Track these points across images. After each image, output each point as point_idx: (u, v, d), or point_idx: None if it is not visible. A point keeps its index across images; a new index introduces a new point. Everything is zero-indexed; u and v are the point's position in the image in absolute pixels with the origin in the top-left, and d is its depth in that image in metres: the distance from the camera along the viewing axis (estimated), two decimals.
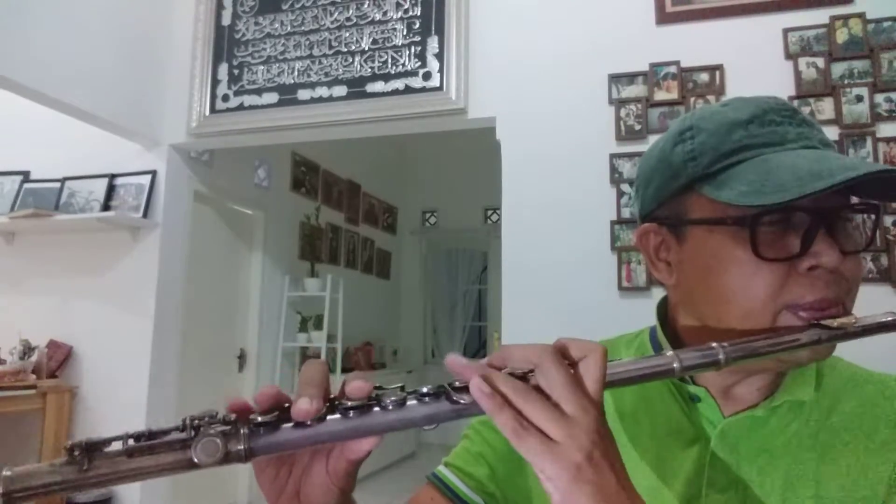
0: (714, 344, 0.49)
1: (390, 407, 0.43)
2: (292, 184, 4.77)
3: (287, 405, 0.44)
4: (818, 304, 0.52)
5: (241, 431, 0.41)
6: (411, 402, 0.43)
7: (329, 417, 0.43)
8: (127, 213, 3.17)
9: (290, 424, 0.42)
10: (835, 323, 0.51)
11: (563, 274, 2.57)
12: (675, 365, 0.47)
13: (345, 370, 4.83)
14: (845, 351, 0.58)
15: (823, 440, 0.58)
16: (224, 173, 3.88)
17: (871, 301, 0.57)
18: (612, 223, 2.54)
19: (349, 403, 0.43)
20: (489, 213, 6.65)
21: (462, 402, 0.43)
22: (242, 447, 0.41)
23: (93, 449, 0.40)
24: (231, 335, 4.20)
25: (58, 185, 3.34)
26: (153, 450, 0.40)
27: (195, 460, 0.40)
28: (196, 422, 0.41)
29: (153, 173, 3.25)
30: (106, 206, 3.22)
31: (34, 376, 3.07)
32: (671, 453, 0.61)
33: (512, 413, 0.43)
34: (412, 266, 6.86)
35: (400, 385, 0.45)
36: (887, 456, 0.56)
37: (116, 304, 3.24)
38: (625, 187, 2.55)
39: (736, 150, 0.55)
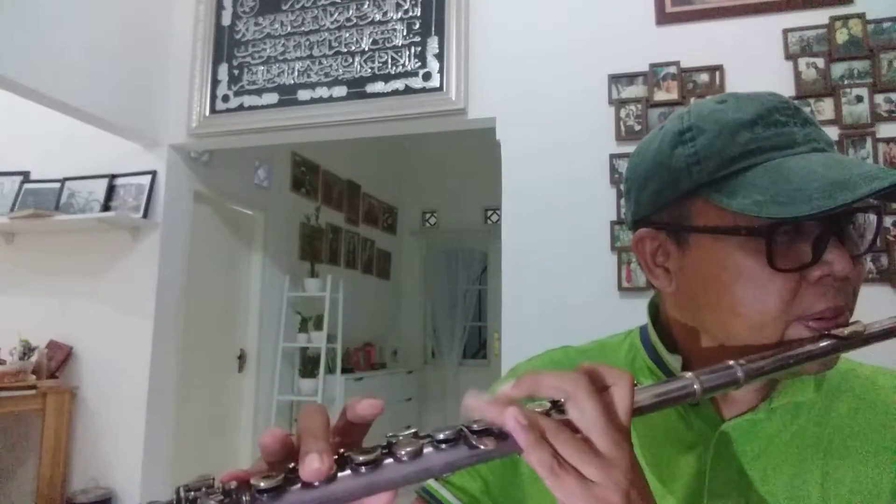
0: (731, 362, 0.48)
1: (405, 459, 0.39)
2: (292, 184, 4.77)
3: (292, 465, 0.38)
4: (829, 313, 0.51)
5: (244, 499, 0.37)
6: (428, 451, 0.40)
7: (339, 475, 0.38)
8: (127, 213, 3.17)
9: (297, 486, 0.37)
10: (845, 332, 0.50)
11: (563, 274, 2.58)
12: (695, 387, 0.46)
13: (345, 370, 4.83)
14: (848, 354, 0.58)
15: (827, 440, 0.57)
16: (224, 173, 3.88)
17: (871, 301, 0.57)
18: (612, 223, 2.54)
19: (360, 458, 0.39)
20: (489, 213, 6.64)
21: (482, 447, 0.40)
22: None
23: None
24: (231, 335, 4.19)
25: (58, 185, 3.34)
26: None
27: None
28: (191, 494, 0.36)
29: (153, 173, 3.25)
30: (106, 207, 3.22)
31: (34, 377, 3.07)
32: (670, 459, 0.60)
33: (550, 449, 0.41)
34: (412, 266, 6.86)
35: (413, 431, 0.41)
36: (892, 456, 0.55)
37: (116, 304, 3.24)
38: None
39: (744, 154, 0.52)
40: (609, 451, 0.41)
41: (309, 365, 4.59)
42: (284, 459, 0.39)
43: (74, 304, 3.31)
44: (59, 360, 3.21)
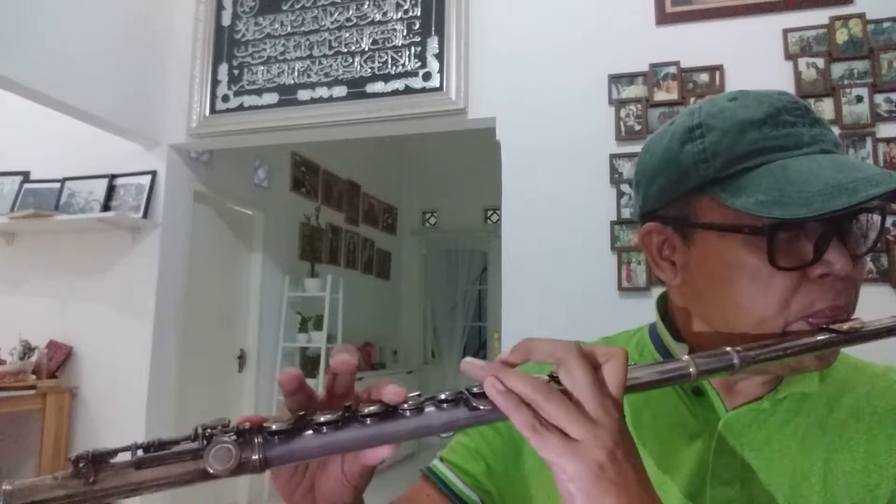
0: (728, 349, 0.49)
1: (408, 414, 0.42)
2: (292, 184, 4.77)
3: (301, 413, 0.43)
4: (830, 311, 0.52)
5: (256, 440, 0.40)
6: (429, 409, 0.43)
7: (346, 425, 0.42)
8: (127, 213, 3.17)
9: (307, 433, 0.41)
10: (845, 326, 0.51)
11: (563, 274, 2.58)
12: (691, 370, 0.47)
13: None
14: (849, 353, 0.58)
15: (830, 432, 0.58)
16: (224, 173, 3.88)
17: (871, 301, 0.57)
18: (612, 223, 2.54)
19: (367, 410, 0.42)
20: (489, 213, 6.65)
21: (481, 407, 0.43)
22: (257, 456, 0.40)
23: (99, 460, 0.37)
24: (231, 335, 4.20)
25: (58, 185, 3.34)
26: (163, 460, 0.39)
27: (208, 470, 0.38)
28: (208, 430, 0.40)
29: (153, 173, 3.25)
30: (106, 207, 3.22)
31: (34, 377, 3.07)
32: (674, 447, 0.61)
33: (529, 411, 0.42)
34: (412, 266, 6.86)
35: (418, 393, 0.44)
36: (893, 451, 0.56)
37: (116, 304, 3.24)
38: (625, 187, 2.55)
39: (751, 154, 0.53)
40: (598, 415, 0.42)
41: (309, 365, 4.59)
42: (303, 404, 0.44)
43: (74, 304, 3.31)
44: (59, 360, 3.21)
